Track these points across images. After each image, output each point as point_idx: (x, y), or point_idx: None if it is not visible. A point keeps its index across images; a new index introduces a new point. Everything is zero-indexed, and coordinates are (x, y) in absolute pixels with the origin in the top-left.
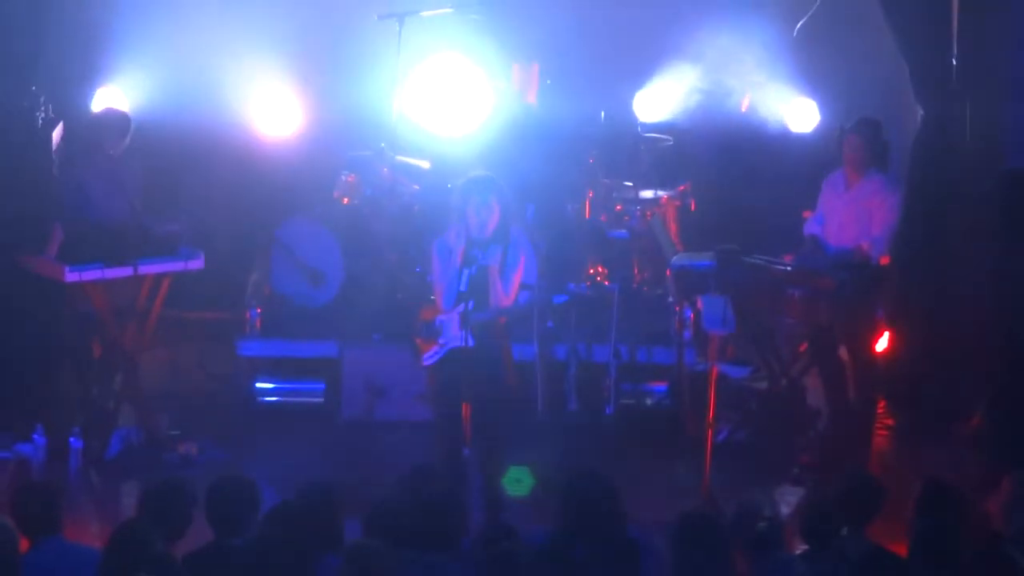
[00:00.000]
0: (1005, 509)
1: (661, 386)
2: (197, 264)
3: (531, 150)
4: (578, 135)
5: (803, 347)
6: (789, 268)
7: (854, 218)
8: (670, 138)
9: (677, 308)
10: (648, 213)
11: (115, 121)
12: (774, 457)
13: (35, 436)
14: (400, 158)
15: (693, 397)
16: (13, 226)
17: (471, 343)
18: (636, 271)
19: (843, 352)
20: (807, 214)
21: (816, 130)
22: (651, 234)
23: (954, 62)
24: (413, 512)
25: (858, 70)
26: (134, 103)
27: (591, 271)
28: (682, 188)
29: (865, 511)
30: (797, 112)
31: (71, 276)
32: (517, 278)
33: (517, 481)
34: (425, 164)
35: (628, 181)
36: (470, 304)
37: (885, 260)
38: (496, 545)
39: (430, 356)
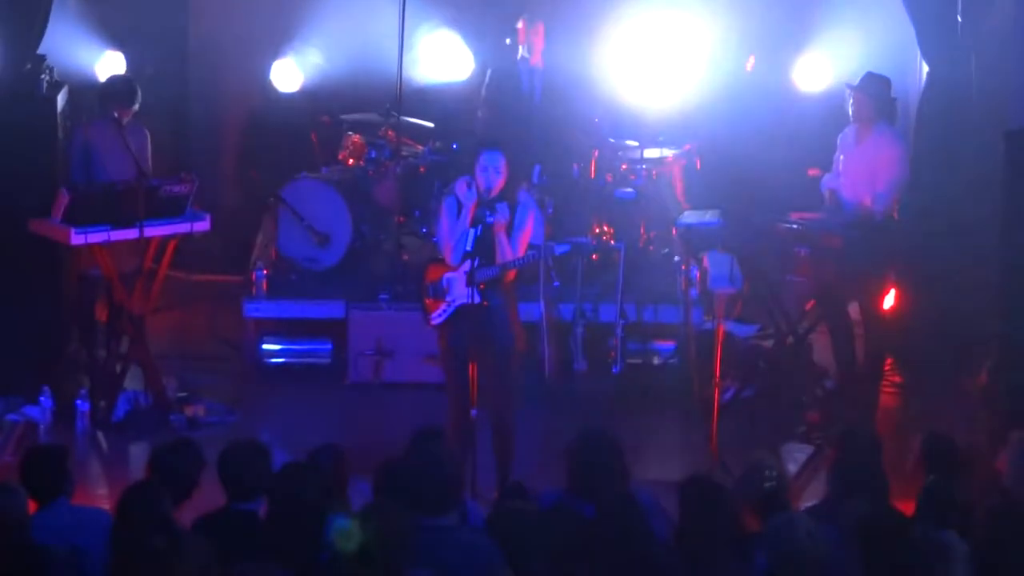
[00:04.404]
0: (1012, 467)
1: (668, 345)
2: (203, 226)
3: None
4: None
5: (810, 305)
6: (796, 226)
7: (864, 173)
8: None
9: (683, 267)
10: (654, 172)
11: (123, 87)
12: (781, 415)
13: (42, 399)
14: (405, 119)
15: (700, 356)
16: (19, 189)
17: (478, 300)
18: (642, 230)
19: (853, 310)
20: (813, 172)
21: (824, 87)
22: (657, 193)
23: (959, 19)
24: (416, 474)
25: (866, 27)
26: (139, 66)
27: (597, 230)
28: (687, 147)
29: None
30: (806, 70)
31: (77, 239)
32: (525, 238)
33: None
34: (430, 124)
35: (633, 140)
36: (476, 262)
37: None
38: (505, 505)
39: (438, 315)
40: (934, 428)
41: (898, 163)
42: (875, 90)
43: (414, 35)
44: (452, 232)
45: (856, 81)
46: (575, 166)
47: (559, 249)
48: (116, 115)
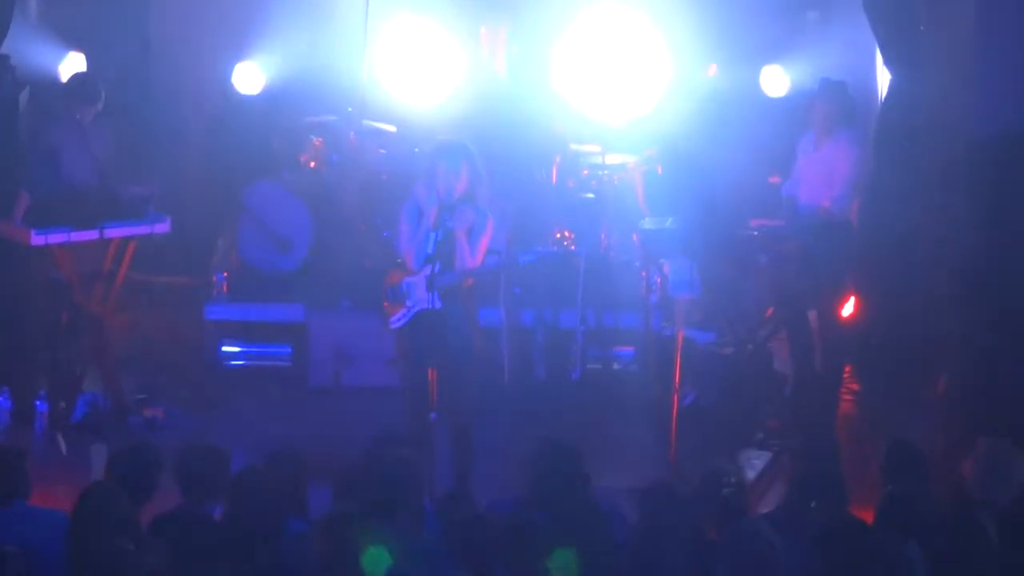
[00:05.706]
0: (977, 474)
1: (628, 351)
2: (163, 228)
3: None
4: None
5: (769, 312)
6: (755, 233)
7: (822, 178)
8: None
9: (644, 273)
10: (616, 178)
11: (84, 86)
12: (740, 422)
13: (0, 399)
14: (367, 122)
15: (659, 362)
16: None
17: (438, 305)
18: (603, 236)
19: (812, 317)
20: (774, 179)
21: (784, 95)
22: (618, 199)
23: (922, 28)
24: (374, 478)
25: (827, 35)
26: (101, 67)
27: (558, 236)
28: (649, 153)
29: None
30: (767, 79)
31: (37, 240)
32: (485, 243)
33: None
34: (392, 128)
35: (595, 146)
36: (436, 267)
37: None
38: (463, 511)
39: (397, 319)
40: (894, 435)
41: (855, 165)
42: (837, 97)
43: (378, 39)
44: (412, 237)
45: (815, 88)
46: (536, 171)
47: (524, 259)
48: (78, 116)
